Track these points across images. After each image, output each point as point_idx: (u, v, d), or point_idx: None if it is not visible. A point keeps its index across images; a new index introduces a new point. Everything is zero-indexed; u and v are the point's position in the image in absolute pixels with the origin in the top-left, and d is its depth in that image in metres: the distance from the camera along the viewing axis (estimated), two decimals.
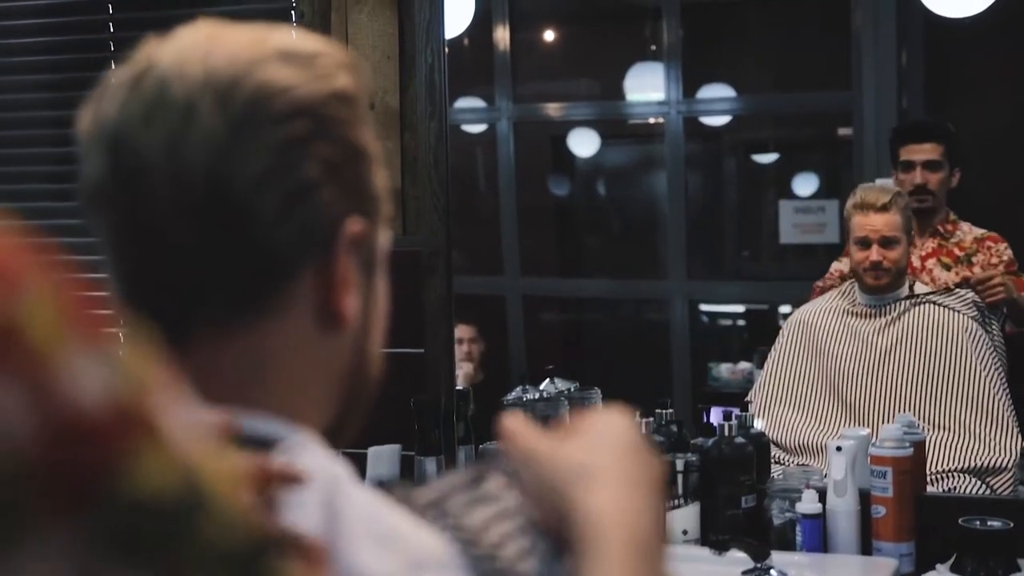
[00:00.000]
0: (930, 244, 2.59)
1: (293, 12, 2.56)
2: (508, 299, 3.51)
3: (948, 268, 2.56)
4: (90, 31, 2.77)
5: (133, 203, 0.68)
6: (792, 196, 3.52)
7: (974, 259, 2.55)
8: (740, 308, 3.65)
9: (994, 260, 2.54)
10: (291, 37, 0.73)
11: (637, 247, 3.70)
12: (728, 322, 3.74)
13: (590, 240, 3.88)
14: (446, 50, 2.41)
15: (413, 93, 2.43)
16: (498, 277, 3.54)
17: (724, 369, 3.31)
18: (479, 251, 3.53)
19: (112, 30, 2.75)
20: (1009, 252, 2.53)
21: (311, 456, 0.68)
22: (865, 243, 2.44)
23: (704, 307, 3.64)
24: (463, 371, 2.74)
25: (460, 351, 2.74)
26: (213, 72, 0.68)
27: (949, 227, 2.61)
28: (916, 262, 2.56)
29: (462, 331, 2.80)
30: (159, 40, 0.71)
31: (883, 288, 2.45)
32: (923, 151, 2.58)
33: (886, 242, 2.43)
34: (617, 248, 3.80)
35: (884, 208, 2.44)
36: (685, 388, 3.23)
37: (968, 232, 2.58)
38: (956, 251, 2.58)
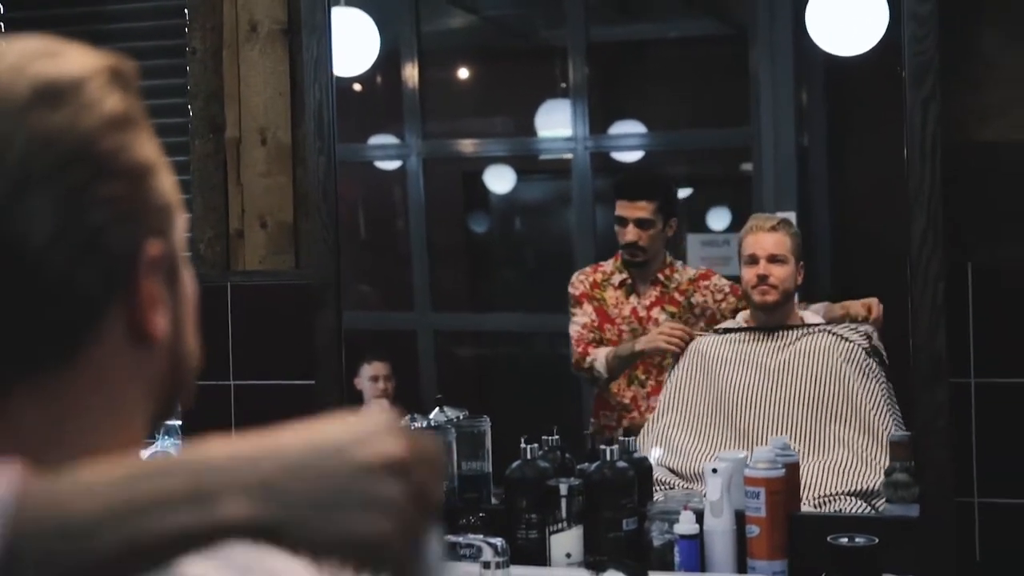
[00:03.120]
0: (653, 293, 2.67)
1: (187, 48, 2.60)
2: (420, 334, 3.54)
3: (673, 316, 2.64)
4: None
5: None
6: (699, 230, 3.59)
7: (693, 300, 2.65)
8: None
9: (718, 296, 2.64)
10: (52, 63, 0.71)
11: (550, 282, 3.75)
12: None
13: (503, 275, 3.92)
14: (335, 86, 2.45)
15: (303, 129, 2.48)
16: (410, 313, 3.57)
17: None
18: (392, 287, 3.56)
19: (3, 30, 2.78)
20: (725, 280, 2.65)
21: None
22: (753, 260, 2.51)
23: None
24: (379, 409, 2.76)
25: (376, 388, 2.77)
26: None
27: (667, 271, 2.70)
28: (642, 312, 2.64)
29: (376, 368, 2.83)
30: None
31: (770, 306, 2.50)
32: (636, 209, 2.70)
33: (773, 259, 2.50)
34: (530, 283, 3.84)
35: (772, 229, 2.54)
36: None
37: (683, 273, 2.70)
38: (677, 296, 2.67)
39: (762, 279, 2.49)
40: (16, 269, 0.67)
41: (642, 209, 2.67)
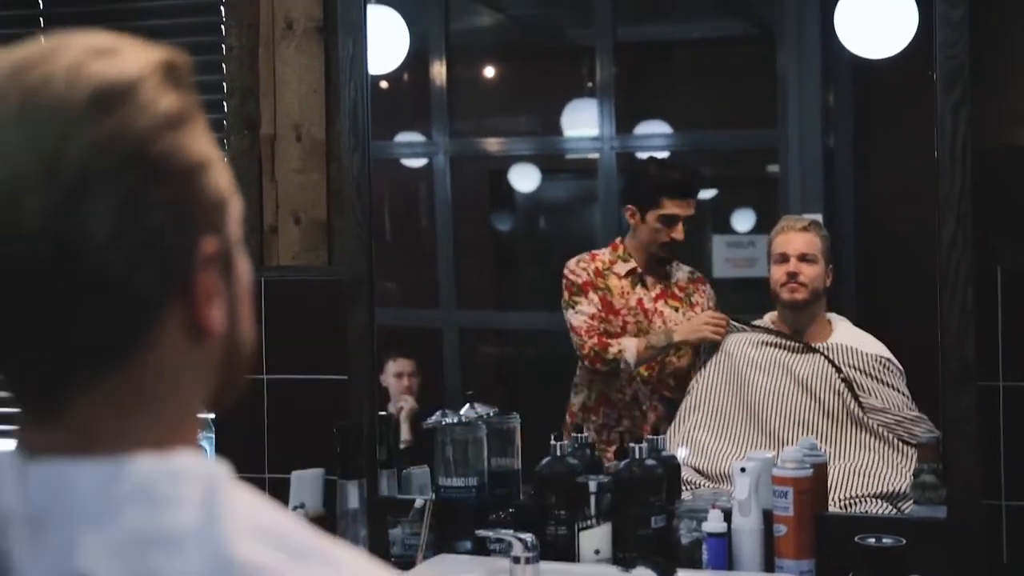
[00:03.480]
0: (659, 286, 2.67)
1: (223, 45, 2.63)
2: (445, 332, 3.56)
3: (676, 310, 2.65)
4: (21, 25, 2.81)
5: None
6: (724, 231, 3.60)
7: (693, 299, 2.67)
8: None
9: (710, 304, 2.67)
10: (108, 64, 0.71)
11: None
12: None
13: (528, 273, 3.94)
14: (369, 85, 2.48)
15: (338, 126, 2.50)
16: (435, 310, 3.59)
17: None
18: (418, 285, 3.59)
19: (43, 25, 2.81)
20: (712, 293, 2.68)
21: (189, 458, 0.71)
22: (783, 258, 2.52)
23: None
24: (407, 405, 2.78)
25: (401, 385, 2.79)
26: (36, 139, 0.68)
27: (669, 268, 2.71)
28: (648, 304, 2.63)
29: (401, 365, 2.85)
30: None
31: (799, 304, 2.51)
32: (687, 207, 2.69)
33: (803, 258, 2.50)
34: (555, 281, 3.86)
35: (803, 229, 2.54)
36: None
37: (678, 269, 2.70)
38: (677, 291, 2.68)
39: (792, 276, 2.49)
40: (76, 271, 0.68)
41: (691, 207, 2.67)
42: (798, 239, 2.52)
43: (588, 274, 2.74)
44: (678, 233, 2.64)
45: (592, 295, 2.69)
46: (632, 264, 2.71)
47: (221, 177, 0.76)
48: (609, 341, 2.65)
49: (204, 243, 0.73)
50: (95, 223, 0.68)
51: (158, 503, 0.68)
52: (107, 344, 0.70)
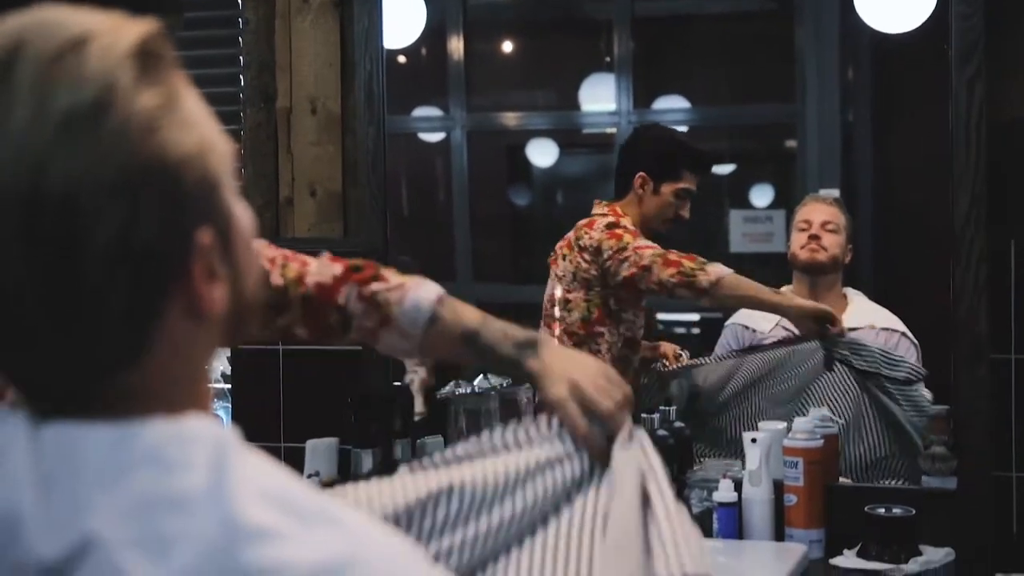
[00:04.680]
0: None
1: (240, 19, 2.64)
2: None
3: (564, 257, 2.59)
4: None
5: None
6: (741, 206, 3.60)
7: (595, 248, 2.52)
8: (695, 316, 3.72)
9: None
10: (76, 75, 0.68)
11: None
12: (683, 330, 3.80)
13: (545, 247, 3.96)
14: (384, 58, 2.49)
15: (353, 99, 2.52)
16: (451, 283, 3.61)
17: None
18: (434, 258, 3.61)
19: None
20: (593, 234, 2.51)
21: (199, 423, 0.72)
22: (806, 225, 2.54)
23: (660, 315, 3.70)
24: (419, 376, 2.81)
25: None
26: (10, 177, 0.66)
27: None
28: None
29: None
30: None
31: (817, 266, 2.51)
32: (696, 185, 2.61)
33: (826, 226, 2.52)
34: None
35: (829, 203, 2.56)
36: (633, 393, 3.30)
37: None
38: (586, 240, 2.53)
39: (813, 238, 2.51)
40: (74, 292, 0.68)
41: (696, 183, 2.63)
42: (823, 209, 2.54)
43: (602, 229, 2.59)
44: (686, 210, 2.58)
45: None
46: None
47: (210, 158, 0.74)
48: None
49: (199, 235, 0.72)
50: (90, 232, 0.67)
51: (167, 466, 0.68)
52: (114, 355, 0.70)
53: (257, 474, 0.71)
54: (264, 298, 0.81)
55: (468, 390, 2.38)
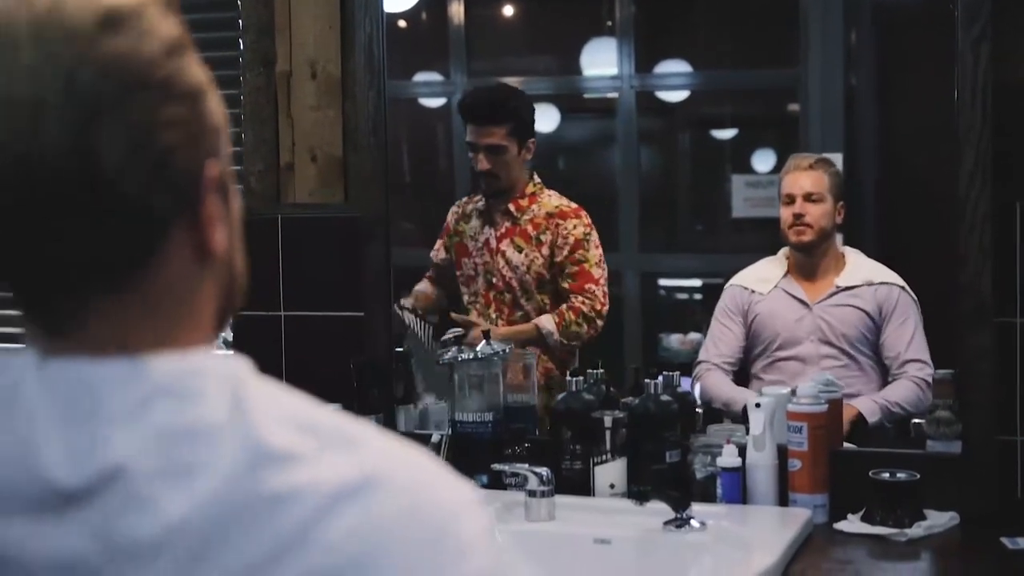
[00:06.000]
0: (504, 224, 2.61)
1: None
2: None
3: (520, 250, 2.57)
4: None
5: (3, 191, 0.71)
6: (743, 171, 3.58)
7: (543, 238, 2.57)
8: (696, 282, 3.72)
9: (559, 242, 2.56)
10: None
11: (594, 221, 3.77)
12: (684, 295, 3.80)
13: None
14: (385, 21, 2.47)
15: (353, 63, 2.49)
16: None
17: (674, 340, 3.37)
18: (435, 225, 3.60)
19: None
20: (578, 230, 2.56)
21: (208, 357, 0.74)
22: (790, 199, 2.52)
23: (661, 281, 3.69)
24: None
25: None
26: (53, 59, 0.70)
27: (524, 203, 2.60)
28: (493, 243, 2.59)
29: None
30: None
31: (806, 245, 2.51)
32: (485, 135, 2.58)
33: (808, 198, 2.50)
34: None
35: (809, 168, 2.52)
36: (635, 358, 3.30)
37: (544, 206, 2.60)
38: (529, 229, 2.59)
39: (797, 218, 2.50)
40: (91, 191, 0.70)
41: (493, 135, 2.59)
42: (803, 178, 2.51)
43: (455, 216, 2.76)
44: (482, 163, 2.58)
45: (446, 240, 2.70)
46: (481, 202, 2.68)
47: (216, 104, 0.78)
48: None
49: (209, 166, 0.75)
50: (109, 144, 0.69)
51: (185, 397, 0.70)
52: (120, 261, 0.72)
53: (275, 400, 0.72)
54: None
55: (471, 355, 2.37)
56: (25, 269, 0.73)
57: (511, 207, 2.62)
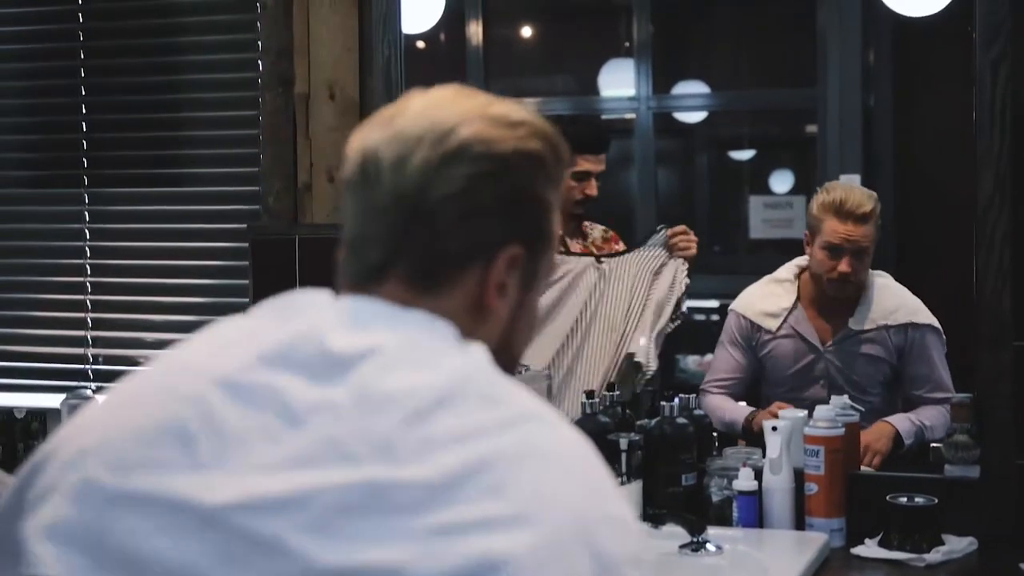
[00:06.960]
0: (578, 247, 2.64)
1: (258, 4, 2.63)
2: None
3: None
4: (61, 39, 2.87)
5: (366, 193, 0.94)
6: (761, 192, 3.58)
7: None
8: (714, 303, 3.71)
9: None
10: (509, 108, 0.96)
11: None
12: (702, 316, 3.78)
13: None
14: (403, 43, 2.48)
15: (371, 84, 2.50)
16: None
17: (691, 361, 3.36)
18: None
19: (81, 39, 2.85)
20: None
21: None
22: (836, 251, 2.37)
23: None
24: None
25: None
26: (439, 121, 0.94)
27: (585, 227, 2.68)
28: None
29: None
30: (417, 91, 0.99)
31: (842, 300, 2.44)
32: (599, 162, 2.60)
33: (859, 252, 2.37)
34: None
35: (864, 217, 2.34)
36: (652, 379, 3.29)
37: (592, 229, 2.68)
38: (595, 250, 2.64)
39: (844, 276, 2.37)
40: (418, 210, 0.92)
41: (602, 163, 2.62)
42: (856, 231, 2.33)
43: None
44: (592, 189, 2.59)
45: None
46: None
47: (555, 225, 0.99)
48: None
49: (514, 246, 0.94)
50: (445, 184, 0.92)
51: (436, 328, 0.90)
52: (417, 264, 0.93)
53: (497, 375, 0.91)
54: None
55: None
56: (355, 244, 0.96)
57: (583, 229, 2.68)
